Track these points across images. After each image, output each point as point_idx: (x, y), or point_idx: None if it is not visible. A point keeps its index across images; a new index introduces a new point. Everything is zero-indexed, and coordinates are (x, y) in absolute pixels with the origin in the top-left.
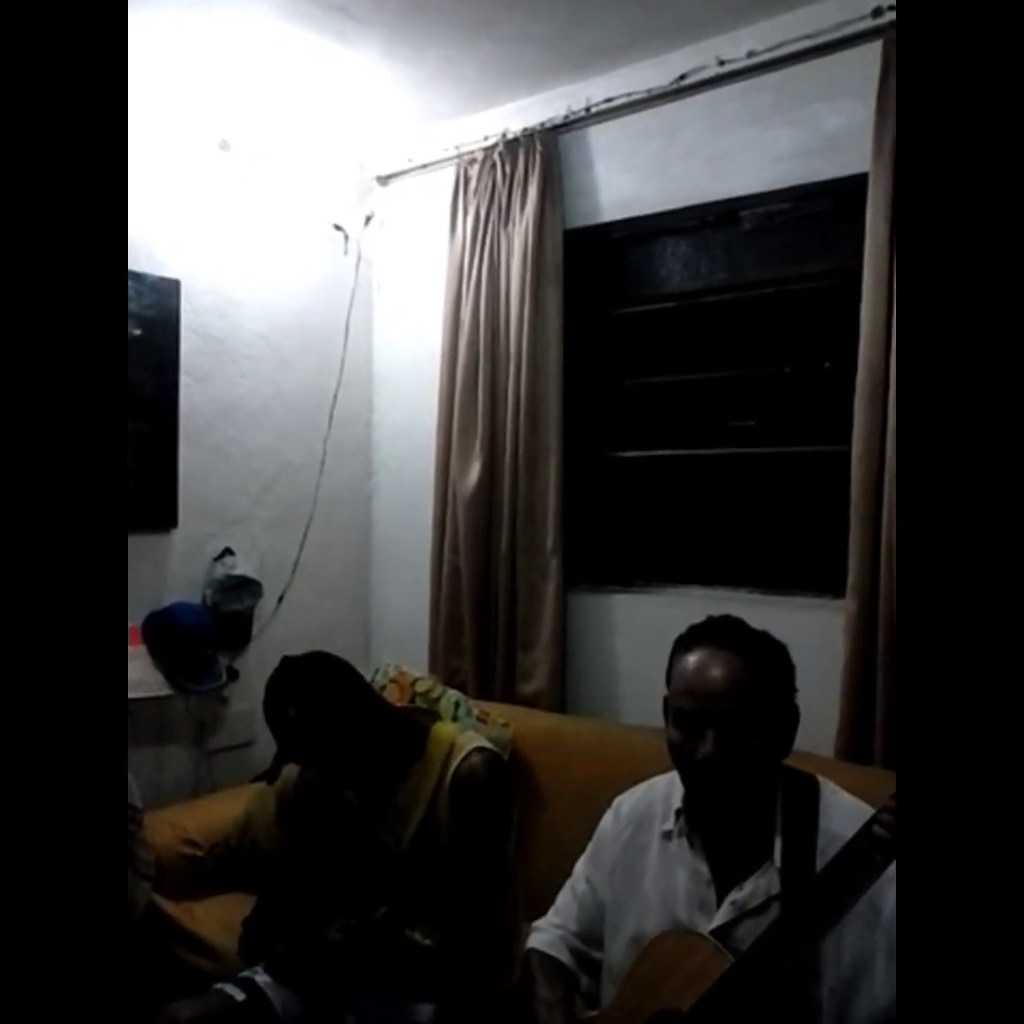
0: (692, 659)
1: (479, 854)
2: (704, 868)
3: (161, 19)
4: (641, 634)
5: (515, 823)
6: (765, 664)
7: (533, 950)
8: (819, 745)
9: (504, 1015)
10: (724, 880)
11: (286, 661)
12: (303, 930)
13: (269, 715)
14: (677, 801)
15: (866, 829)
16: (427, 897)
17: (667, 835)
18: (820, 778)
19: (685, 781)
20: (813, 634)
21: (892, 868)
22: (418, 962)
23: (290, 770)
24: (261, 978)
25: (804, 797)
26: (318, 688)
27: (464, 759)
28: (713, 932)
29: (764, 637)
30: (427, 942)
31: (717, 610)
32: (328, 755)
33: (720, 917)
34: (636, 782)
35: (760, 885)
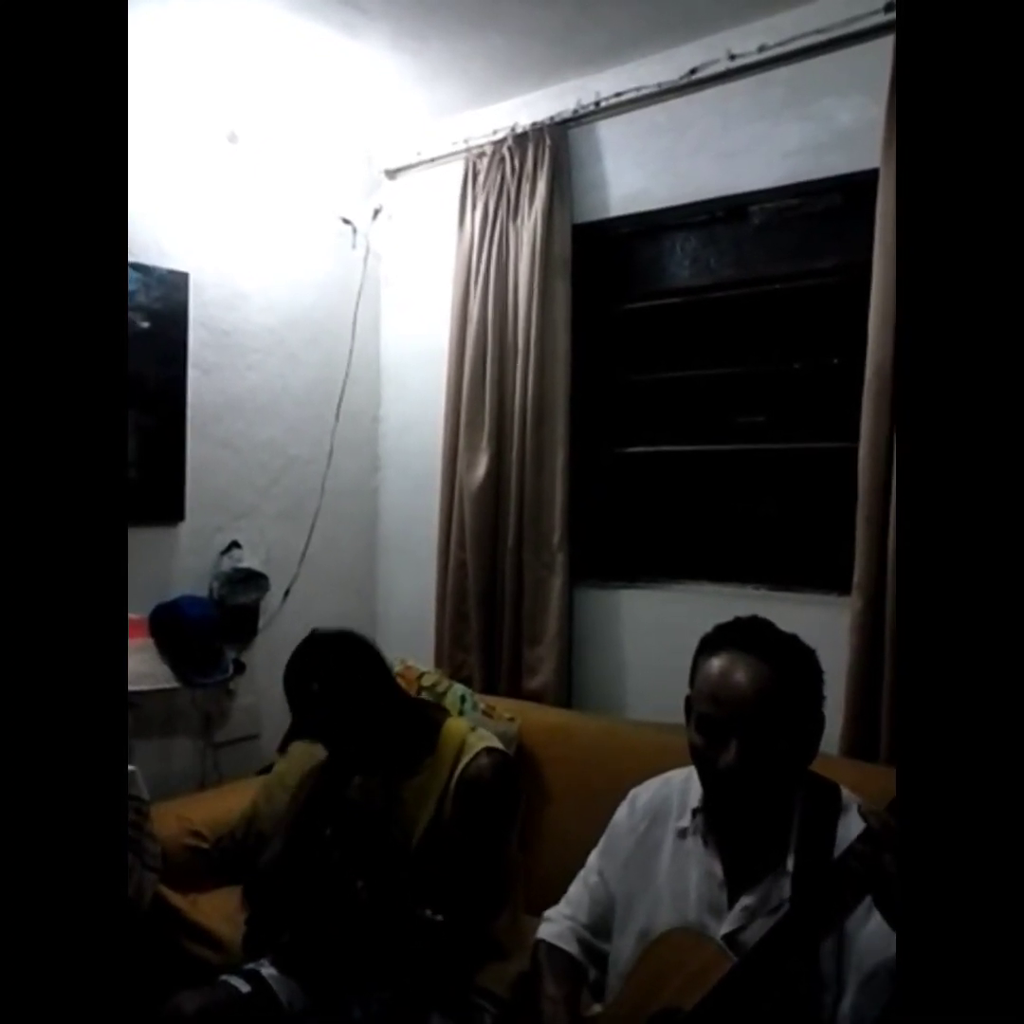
0: (717, 663)
1: (479, 852)
2: (718, 869)
3: (169, 12)
4: (647, 630)
5: (518, 824)
6: (793, 671)
7: (542, 941)
8: (824, 742)
9: (511, 1004)
10: (737, 882)
11: (315, 634)
12: (309, 922)
13: (289, 687)
14: (693, 799)
15: (866, 833)
16: (436, 882)
17: (682, 833)
18: (843, 788)
19: (705, 786)
20: (819, 631)
21: None
22: (429, 938)
23: (300, 762)
24: (266, 970)
25: (824, 804)
26: (343, 666)
27: (473, 759)
28: (723, 936)
29: (793, 641)
30: (439, 918)
31: (723, 606)
32: (344, 734)
33: (730, 922)
34: (642, 778)
35: (773, 890)
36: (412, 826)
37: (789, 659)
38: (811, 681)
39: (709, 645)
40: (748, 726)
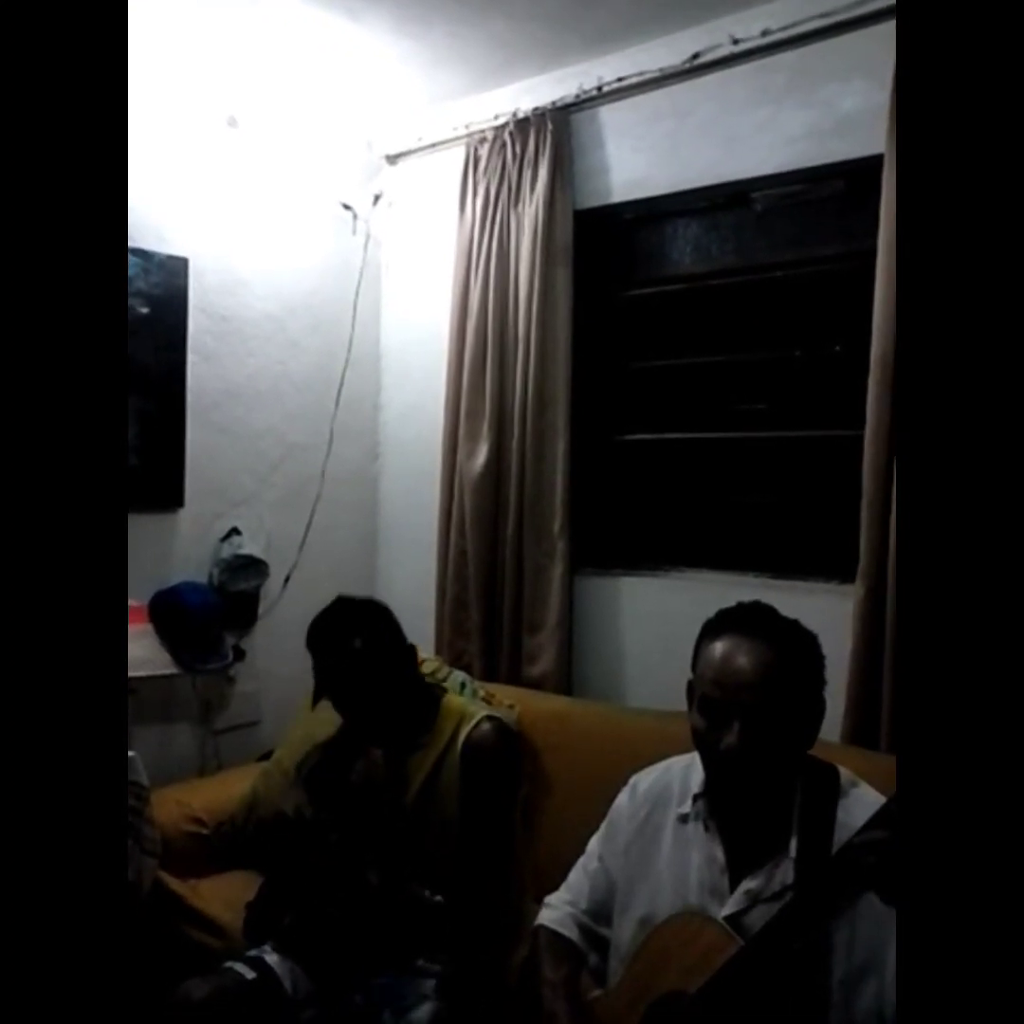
0: (720, 647)
1: (487, 818)
2: (719, 854)
3: None
4: (648, 617)
5: (522, 794)
6: (795, 655)
7: (542, 927)
8: (825, 730)
9: (511, 990)
10: (738, 867)
11: (342, 599)
12: (310, 904)
13: (324, 647)
14: (695, 785)
15: (881, 818)
16: (432, 856)
17: (683, 818)
18: (841, 769)
19: (707, 769)
20: (821, 619)
21: None
22: (430, 919)
23: (300, 747)
24: (270, 957)
25: (823, 788)
26: (381, 625)
27: (475, 726)
28: (725, 919)
29: (795, 626)
30: (438, 899)
31: (725, 594)
32: (367, 695)
33: (732, 904)
34: (643, 765)
35: (775, 875)
36: (408, 791)
37: (791, 643)
38: (813, 665)
39: (712, 629)
40: (750, 708)
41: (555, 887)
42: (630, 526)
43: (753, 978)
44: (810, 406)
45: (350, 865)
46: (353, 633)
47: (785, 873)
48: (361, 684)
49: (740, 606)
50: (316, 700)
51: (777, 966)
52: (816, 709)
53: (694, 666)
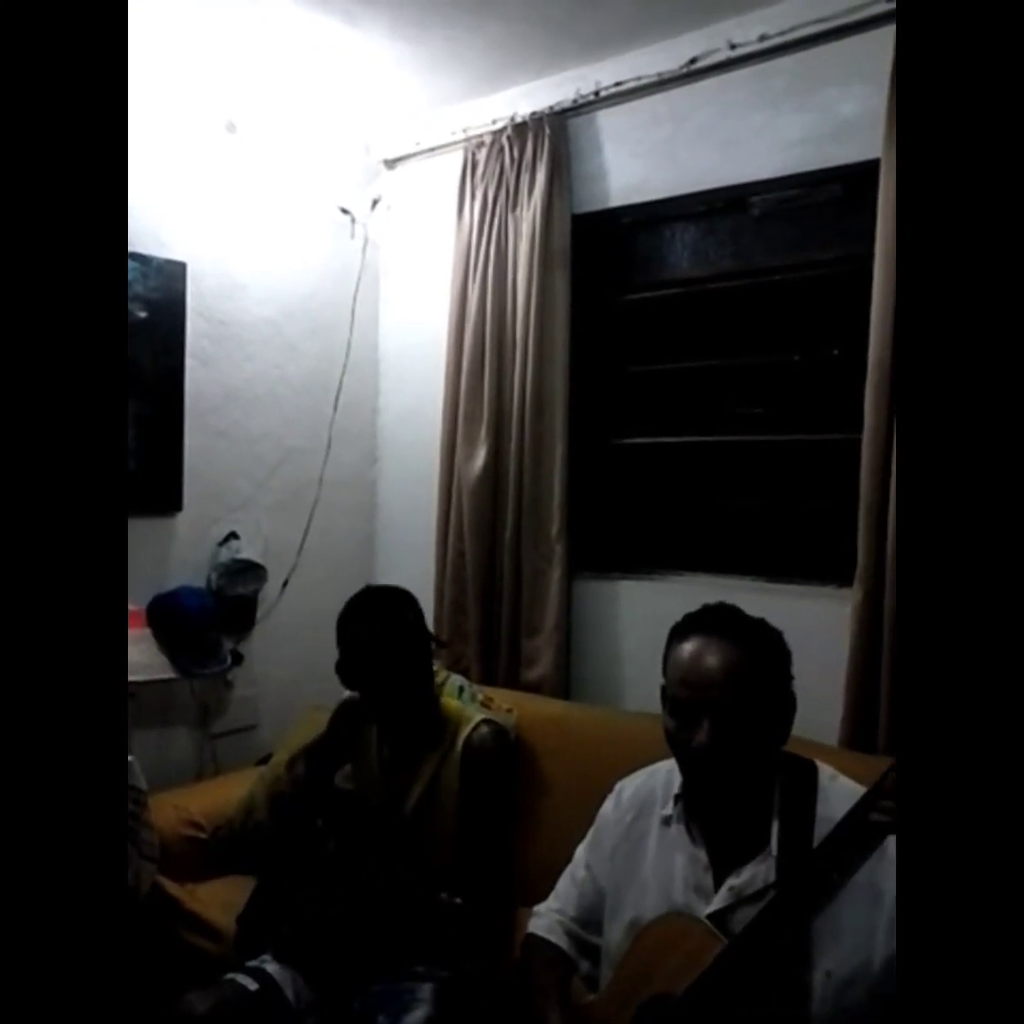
0: (687, 648)
1: (488, 821)
2: (702, 853)
3: (167, 0)
4: (645, 621)
5: (516, 798)
6: (761, 652)
7: (531, 935)
8: (823, 733)
9: (502, 993)
10: (722, 866)
11: (370, 588)
12: (310, 910)
13: (363, 620)
14: (677, 787)
15: (859, 809)
16: (432, 860)
17: (666, 820)
18: (819, 763)
19: (682, 769)
20: (818, 622)
21: (892, 850)
22: (449, 923)
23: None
24: (271, 966)
25: (802, 783)
26: (415, 608)
27: (474, 729)
28: (710, 917)
29: (760, 625)
30: (457, 901)
31: (722, 598)
32: (393, 677)
33: (717, 902)
34: (638, 768)
35: (758, 872)
36: (406, 796)
37: (758, 641)
38: (780, 661)
39: (679, 631)
40: (719, 706)
41: (551, 890)
42: (628, 530)
43: (738, 976)
44: (808, 410)
45: (350, 870)
46: (406, 608)
47: (768, 870)
48: (399, 658)
49: (706, 608)
50: (345, 680)
51: (761, 963)
52: (786, 705)
53: (664, 669)
